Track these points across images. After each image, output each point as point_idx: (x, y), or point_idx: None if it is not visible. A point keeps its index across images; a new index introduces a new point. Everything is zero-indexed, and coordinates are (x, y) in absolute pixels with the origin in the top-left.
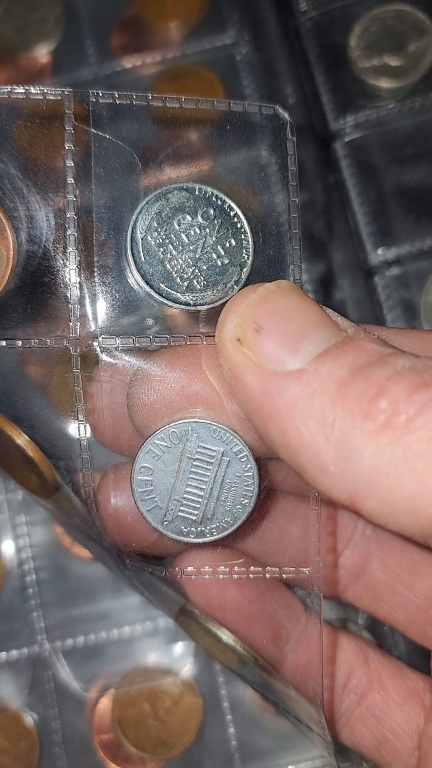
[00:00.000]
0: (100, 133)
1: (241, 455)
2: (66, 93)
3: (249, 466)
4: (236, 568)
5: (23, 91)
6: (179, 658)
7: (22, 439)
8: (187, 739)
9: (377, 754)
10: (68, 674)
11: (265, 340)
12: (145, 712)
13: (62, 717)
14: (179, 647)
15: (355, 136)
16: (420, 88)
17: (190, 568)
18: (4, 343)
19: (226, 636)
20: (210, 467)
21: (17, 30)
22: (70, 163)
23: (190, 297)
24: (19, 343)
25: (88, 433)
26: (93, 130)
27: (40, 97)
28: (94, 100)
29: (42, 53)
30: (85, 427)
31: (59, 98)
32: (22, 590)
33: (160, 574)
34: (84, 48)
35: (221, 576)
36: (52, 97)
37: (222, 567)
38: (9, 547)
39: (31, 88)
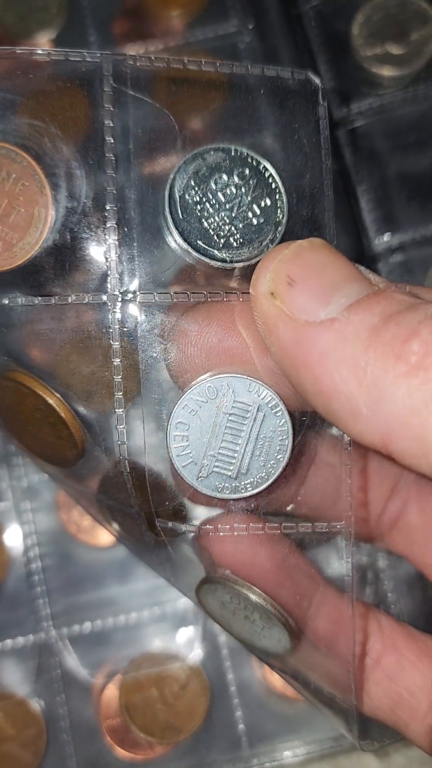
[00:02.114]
0: (137, 95)
1: (276, 410)
2: (105, 56)
3: (284, 420)
4: (268, 524)
5: (63, 52)
6: (186, 643)
7: (53, 399)
8: (195, 723)
9: (393, 715)
10: (75, 661)
11: (298, 293)
12: (152, 697)
13: (69, 703)
14: (186, 632)
15: (358, 123)
16: (423, 75)
17: (223, 525)
18: (39, 299)
19: (255, 596)
20: (245, 422)
21: (19, 17)
22: (109, 122)
23: (227, 254)
24: (56, 299)
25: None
26: (131, 92)
27: (79, 59)
28: (132, 62)
29: (44, 41)
30: (120, 382)
31: (98, 60)
32: (28, 577)
33: (193, 533)
34: (86, 36)
35: (254, 533)
36: (90, 60)
37: (254, 524)
38: (14, 534)
39: (70, 51)
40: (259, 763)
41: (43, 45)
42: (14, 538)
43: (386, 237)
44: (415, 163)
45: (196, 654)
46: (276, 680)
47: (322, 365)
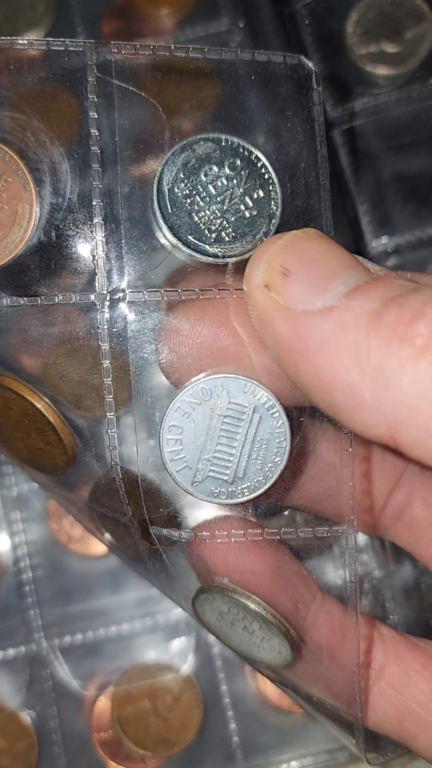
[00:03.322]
0: (123, 84)
1: (273, 411)
2: (88, 44)
3: (281, 422)
4: (267, 530)
5: (45, 42)
6: (179, 654)
7: (42, 404)
8: (189, 736)
9: (400, 728)
10: (66, 672)
11: (293, 283)
12: (145, 709)
13: (61, 715)
14: (179, 643)
15: (353, 124)
16: (418, 75)
17: (220, 531)
18: (25, 300)
19: (254, 604)
20: (241, 424)
21: (6, 17)
22: (93, 114)
23: (219, 249)
24: (42, 299)
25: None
26: (116, 81)
27: (62, 48)
28: (116, 51)
29: (12, 67)
30: (110, 385)
31: (81, 50)
32: (19, 588)
33: (189, 539)
34: (75, 35)
35: (252, 539)
36: (73, 49)
37: (252, 530)
38: (4, 545)
39: (53, 40)
40: None
41: (15, 52)
42: (4, 548)
43: (383, 240)
44: (411, 164)
45: (189, 665)
46: (271, 692)
47: (321, 355)
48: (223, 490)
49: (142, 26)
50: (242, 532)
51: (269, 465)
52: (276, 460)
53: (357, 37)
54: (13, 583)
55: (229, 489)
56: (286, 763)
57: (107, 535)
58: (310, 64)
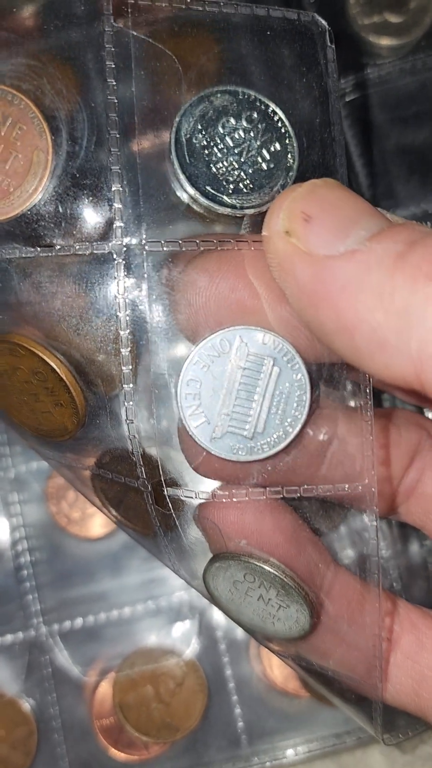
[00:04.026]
0: (140, 35)
1: (293, 362)
2: None
3: (300, 375)
4: (287, 488)
5: None
6: (182, 638)
7: (54, 360)
8: (192, 721)
9: (417, 698)
10: (66, 658)
11: (315, 228)
12: (147, 695)
13: (61, 702)
14: (182, 627)
15: (356, 95)
16: (422, 44)
17: (239, 490)
18: (39, 250)
19: (273, 568)
20: (260, 377)
21: None
22: (110, 63)
23: (236, 200)
24: (56, 250)
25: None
26: (133, 32)
27: None
28: (133, 1)
29: (28, 14)
30: (127, 338)
31: None
32: (17, 572)
33: (206, 500)
34: (72, 5)
35: (272, 497)
36: None
37: (272, 488)
38: (2, 527)
39: None
40: (259, 762)
41: (27, 19)
42: (2, 531)
43: (388, 213)
44: (416, 135)
45: (192, 649)
46: (276, 675)
47: (344, 298)
48: (242, 446)
49: None
50: (261, 490)
51: (289, 419)
52: (296, 414)
53: (360, 7)
54: (11, 567)
55: (249, 445)
56: (292, 747)
57: (114, 510)
58: (324, 22)
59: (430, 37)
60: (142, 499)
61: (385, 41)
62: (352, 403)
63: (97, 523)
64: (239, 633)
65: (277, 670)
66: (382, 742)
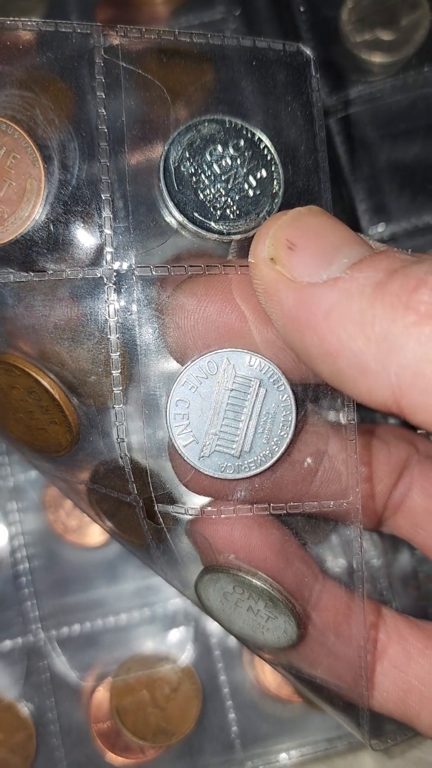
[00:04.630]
0: (130, 67)
1: (278, 384)
2: (96, 27)
3: (286, 396)
4: (273, 504)
5: (53, 23)
6: (177, 644)
7: (47, 380)
8: (187, 725)
9: (403, 706)
10: (64, 663)
11: (299, 256)
12: (143, 700)
13: (59, 707)
14: (177, 633)
15: (348, 112)
16: (413, 62)
17: (226, 507)
18: (32, 274)
19: (261, 581)
20: (247, 398)
21: None
22: (101, 94)
23: (224, 226)
24: (49, 274)
25: (120, 367)
26: (123, 63)
27: (70, 30)
28: (123, 34)
29: (21, 46)
30: (118, 360)
31: (89, 32)
32: (15, 579)
33: (195, 516)
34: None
35: (258, 513)
36: (81, 31)
37: (258, 504)
38: (1, 535)
39: (61, 22)
40: (253, 766)
41: (24, 34)
42: (1, 539)
43: (380, 228)
44: (407, 151)
45: (187, 655)
46: (269, 681)
47: (327, 324)
48: (229, 464)
49: (136, 14)
50: (248, 507)
51: (275, 439)
52: (282, 433)
53: (352, 24)
54: (9, 574)
55: (236, 463)
56: (285, 752)
57: (107, 522)
58: (308, 52)
59: (421, 54)
60: (134, 513)
61: (377, 58)
62: (336, 423)
63: (94, 531)
64: (233, 640)
65: (270, 676)
66: (369, 747)
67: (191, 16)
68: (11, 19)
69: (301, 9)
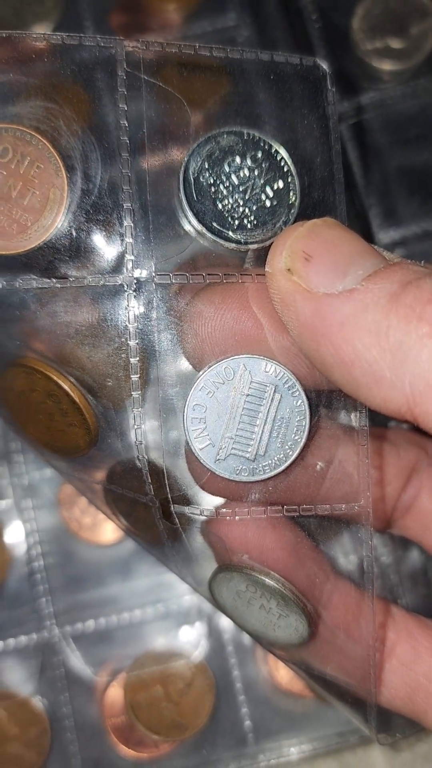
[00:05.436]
0: (151, 80)
1: (293, 390)
2: (118, 41)
3: (300, 401)
4: (287, 507)
5: (77, 37)
6: (191, 640)
7: (67, 383)
8: (201, 720)
9: (411, 704)
10: (78, 659)
11: (315, 267)
12: (157, 695)
13: (73, 702)
14: (190, 630)
15: (359, 118)
16: (423, 70)
17: (240, 509)
18: (54, 281)
19: (273, 581)
20: (262, 403)
21: (14, 11)
22: (123, 106)
23: (241, 235)
24: (71, 281)
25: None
26: (144, 76)
27: (93, 44)
28: (144, 48)
29: (45, 59)
30: (137, 365)
31: (111, 45)
32: (30, 576)
33: (210, 517)
34: (83, 29)
35: (272, 515)
36: (104, 45)
37: (272, 507)
38: (16, 533)
39: (84, 36)
40: (265, 760)
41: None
42: (16, 536)
43: (390, 232)
44: (416, 157)
45: (201, 651)
46: (282, 676)
47: (342, 334)
48: (244, 467)
49: (149, 20)
50: (263, 509)
51: (289, 443)
52: (296, 438)
53: (363, 32)
54: (24, 571)
55: (251, 467)
56: (296, 746)
57: (123, 520)
58: (325, 66)
59: (431, 62)
60: (150, 512)
61: (387, 66)
62: (349, 428)
63: (108, 529)
64: (246, 637)
65: (282, 671)
66: (377, 741)
67: (203, 22)
68: (36, 33)
69: (313, 17)
